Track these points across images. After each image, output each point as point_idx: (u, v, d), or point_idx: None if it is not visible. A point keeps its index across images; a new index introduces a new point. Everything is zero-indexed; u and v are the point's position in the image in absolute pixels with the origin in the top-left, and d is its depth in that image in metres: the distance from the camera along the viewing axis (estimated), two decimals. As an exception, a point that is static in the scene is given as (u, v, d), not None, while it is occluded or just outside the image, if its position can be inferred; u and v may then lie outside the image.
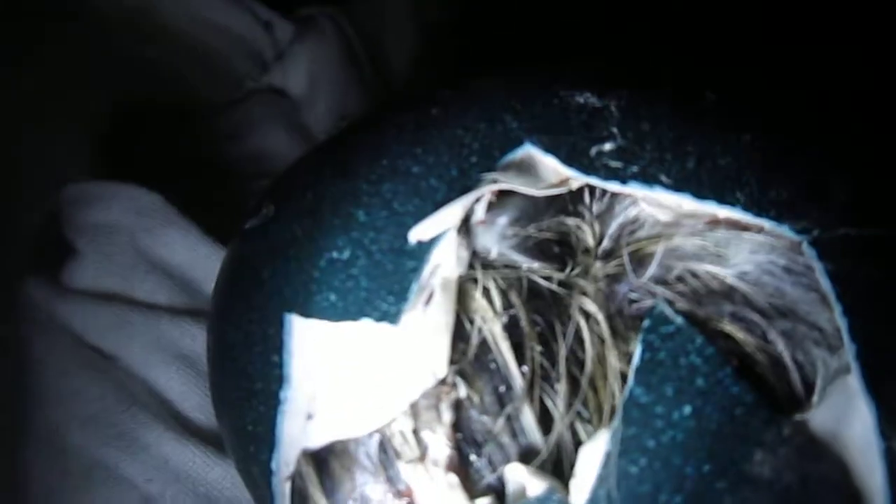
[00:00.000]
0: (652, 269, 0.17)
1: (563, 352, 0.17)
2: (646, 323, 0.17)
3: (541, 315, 0.18)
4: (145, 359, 0.28)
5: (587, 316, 0.18)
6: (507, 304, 0.18)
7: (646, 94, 0.19)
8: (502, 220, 0.18)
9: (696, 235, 0.18)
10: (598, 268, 0.18)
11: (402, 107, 0.21)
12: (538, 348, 0.17)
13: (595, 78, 0.20)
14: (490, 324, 0.18)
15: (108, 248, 0.29)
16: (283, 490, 0.19)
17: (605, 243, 0.18)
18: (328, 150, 0.22)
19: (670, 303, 0.17)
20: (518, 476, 0.17)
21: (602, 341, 0.17)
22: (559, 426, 0.17)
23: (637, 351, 0.17)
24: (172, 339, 0.28)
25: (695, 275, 0.17)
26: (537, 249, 0.18)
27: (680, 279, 0.18)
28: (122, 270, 0.29)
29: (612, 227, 0.18)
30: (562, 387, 0.17)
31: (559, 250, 0.18)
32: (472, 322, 0.18)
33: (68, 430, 0.27)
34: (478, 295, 0.18)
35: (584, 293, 0.18)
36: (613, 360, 0.17)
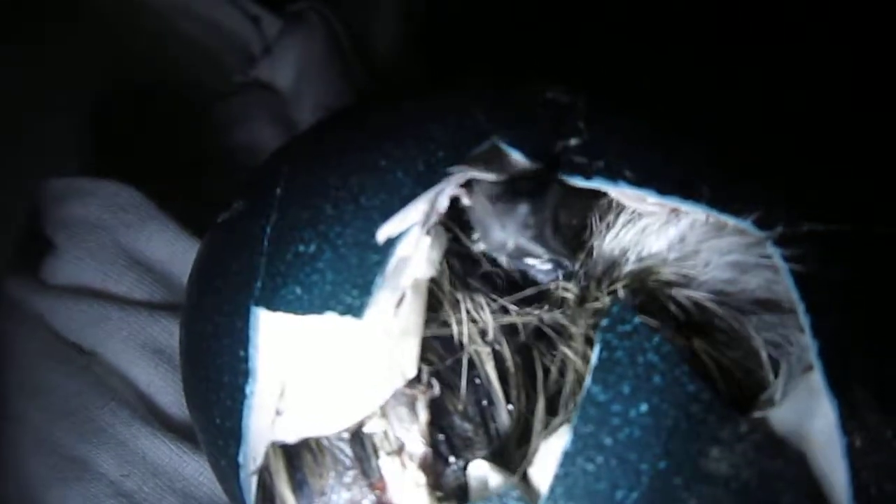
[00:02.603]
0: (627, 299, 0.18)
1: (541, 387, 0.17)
2: (604, 322, 0.17)
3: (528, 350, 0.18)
4: (124, 354, 0.28)
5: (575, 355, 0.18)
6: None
7: (615, 91, 0.19)
8: (523, 210, 0.18)
9: (671, 264, 0.18)
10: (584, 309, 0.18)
11: (375, 101, 0.21)
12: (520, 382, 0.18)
13: (565, 74, 0.20)
14: (480, 347, 0.18)
15: (87, 244, 0.29)
16: (250, 484, 0.19)
17: (591, 283, 0.19)
18: (299, 144, 0.22)
19: (632, 299, 0.17)
20: (481, 472, 0.17)
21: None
22: (535, 440, 0.17)
23: (595, 350, 0.17)
24: (151, 335, 0.28)
25: (675, 301, 0.18)
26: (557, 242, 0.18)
27: (661, 308, 0.18)
28: (101, 266, 0.29)
29: (594, 269, 0.19)
30: (540, 405, 0.17)
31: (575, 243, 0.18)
32: (459, 333, 0.18)
33: (46, 425, 0.27)
34: (463, 317, 0.18)
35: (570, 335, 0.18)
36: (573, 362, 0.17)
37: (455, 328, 0.18)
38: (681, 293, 0.18)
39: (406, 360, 0.17)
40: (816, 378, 0.16)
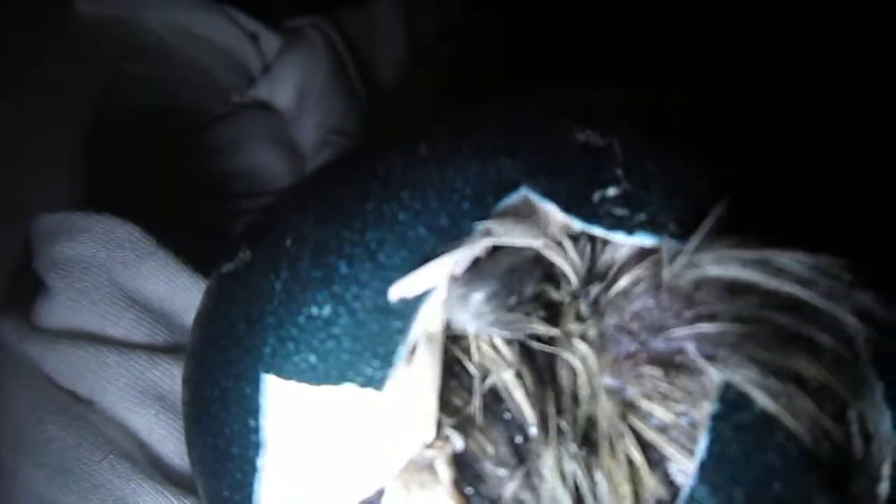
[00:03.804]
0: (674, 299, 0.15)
1: (580, 409, 0.15)
2: (715, 407, 0.15)
3: (538, 374, 0.16)
4: (123, 402, 0.26)
5: (587, 369, 0.16)
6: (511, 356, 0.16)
7: (649, 131, 0.18)
8: (477, 298, 0.16)
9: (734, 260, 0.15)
10: (588, 311, 0.16)
11: (390, 142, 0.20)
12: (548, 408, 0.16)
13: (598, 111, 0.19)
14: (502, 372, 0.16)
15: (81, 284, 0.27)
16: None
17: (608, 275, 0.16)
18: (309, 188, 0.20)
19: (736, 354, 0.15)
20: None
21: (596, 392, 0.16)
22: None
23: (703, 441, 0.15)
24: (151, 380, 0.27)
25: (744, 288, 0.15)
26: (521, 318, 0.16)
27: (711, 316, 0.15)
28: (97, 307, 0.27)
29: (617, 261, 0.16)
30: (568, 447, 0.15)
31: (545, 314, 0.16)
32: (475, 371, 0.16)
33: (41, 481, 0.25)
34: (483, 345, 0.16)
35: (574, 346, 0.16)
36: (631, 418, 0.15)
37: (469, 361, 0.16)
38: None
39: (423, 421, 0.16)
40: None
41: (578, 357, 0.16)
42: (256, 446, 0.17)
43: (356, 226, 0.18)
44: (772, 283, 0.15)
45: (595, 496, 0.15)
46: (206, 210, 0.38)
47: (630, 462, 0.15)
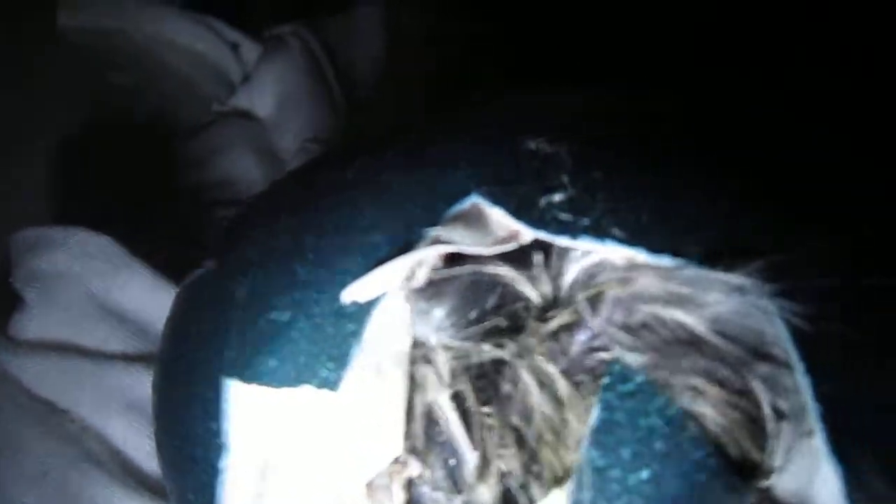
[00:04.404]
0: (607, 312, 0.16)
1: (483, 417, 0.16)
2: (604, 381, 0.16)
3: (492, 381, 0.17)
4: (98, 411, 0.27)
5: (541, 376, 0.17)
6: (457, 374, 0.17)
7: (600, 138, 0.18)
8: (438, 314, 0.17)
9: (662, 277, 0.17)
10: (548, 323, 0.17)
11: (355, 151, 0.21)
12: (489, 420, 0.16)
13: (549, 120, 0.19)
14: (437, 394, 0.17)
15: (57, 297, 0.28)
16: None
17: (563, 292, 0.17)
18: (272, 199, 0.21)
19: (631, 354, 0.16)
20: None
21: (558, 400, 0.16)
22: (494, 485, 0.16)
23: (594, 411, 0.16)
24: (125, 388, 0.27)
25: (662, 322, 0.16)
26: (482, 330, 0.17)
27: (645, 325, 0.17)
28: (72, 319, 0.28)
29: (568, 276, 0.17)
30: (509, 453, 0.16)
31: (507, 324, 0.17)
32: (417, 393, 0.17)
33: (19, 489, 0.25)
34: (423, 367, 0.17)
35: (531, 352, 0.17)
36: (573, 420, 0.16)
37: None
38: (669, 314, 0.16)
39: (390, 437, 0.16)
40: (819, 444, 0.16)
41: (532, 370, 0.17)
42: (219, 449, 0.18)
43: (316, 233, 0.18)
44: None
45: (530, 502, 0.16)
46: (187, 219, 0.39)
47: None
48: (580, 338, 0.17)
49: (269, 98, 0.45)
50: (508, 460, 0.16)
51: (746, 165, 0.18)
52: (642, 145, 0.18)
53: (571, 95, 0.20)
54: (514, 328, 0.17)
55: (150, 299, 0.29)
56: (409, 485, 0.16)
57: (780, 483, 0.16)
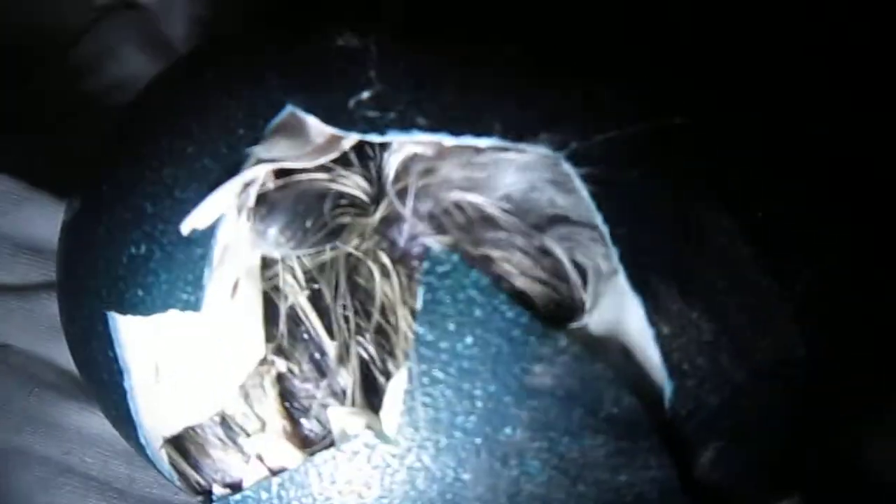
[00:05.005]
0: (412, 202, 0.18)
1: (340, 310, 0.18)
2: (424, 265, 0.18)
3: (338, 279, 0.19)
4: (36, 340, 0.29)
5: (381, 268, 0.18)
6: (310, 276, 0.19)
7: (406, 27, 0.19)
8: (272, 231, 0.18)
9: (462, 165, 0.18)
10: (373, 217, 0.18)
11: (182, 72, 0.21)
12: (344, 312, 0.18)
13: (358, 12, 0.20)
14: (297, 297, 0.18)
15: (-33, 241, 0.29)
16: (160, 457, 0.21)
17: (386, 187, 0.19)
18: (119, 133, 0.21)
19: (439, 238, 0.18)
20: (339, 418, 0.19)
21: (396, 285, 0.18)
22: (356, 369, 0.18)
23: (418, 293, 0.18)
24: (54, 313, 0.29)
25: (460, 207, 0.18)
26: (320, 237, 0.18)
27: (447, 211, 0.18)
28: (-13, 260, 0.29)
29: (387, 170, 0.19)
30: (365, 339, 0.18)
31: (342, 223, 0.19)
32: (279, 299, 0.19)
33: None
34: (282, 272, 0.18)
35: (362, 249, 0.18)
36: (402, 305, 0.18)
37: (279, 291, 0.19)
38: (466, 198, 0.18)
39: (254, 342, 0.18)
40: (621, 280, 0.18)
41: (374, 261, 0.18)
42: (120, 372, 0.20)
43: (154, 164, 0.19)
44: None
45: (387, 377, 0.18)
46: (86, 133, 0.39)
47: None
48: (403, 229, 0.18)
49: (151, -20, 0.44)
50: (364, 344, 0.19)
51: (540, 43, 0.19)
52: (443, 28, 0.19)
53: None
54: (347, 226, 0.18)
55: (58, 224, 0.30)
56: (280, 380, 0.19)
57: (592, 320, 0.18)
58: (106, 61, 0.42)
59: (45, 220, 0.30)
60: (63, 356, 0.30)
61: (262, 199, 0.18)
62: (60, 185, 0.32)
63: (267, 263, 0.19)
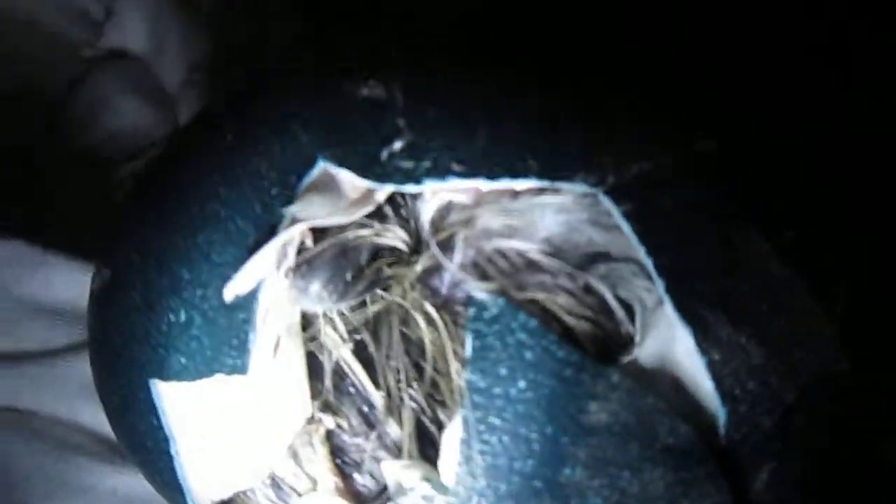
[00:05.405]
0: (459, 255, 0.18)
1: (385, 360, 0.18)
2: (469, 311, 0.18)
3: (384, 330, 0.19)
4: (63, 402, 0.29)
5: (426, 316, 0.18)
6: (353, 328, 0.19)
7: (431, 72, 0.19)
8: (314, 287, 0.18)
9: (500, 212, 0.18)
10: (415, 267, 0.18)
11: (200, 131, 0.21)
12: (391, 363, 0.18)
13: (376, 59, 0.20)
14: (340, 351, 0.18)
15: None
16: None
17: (423, 236, 0.19)
18: (142, 200, 0.21)
19: (484, 285, 0.18)
20: (393, 472, 0.18)
21: (443, 333, 0.18)
22: (409, 420, 0.18)
23: (467, 340, 0.18)
24: (81, 375, 0.29)
25: (503, 254, 0.18)
26: (361, 288, 0.18)
27: (490, 260, 0.18)
28: (6, 329, 0.29)
29: (423, 218, 0.19)
30: (413, 388, 0.18)
31: (382, 276, 0.19)
32: (322, 354, 0.19)
33: (9, 493, 0.28)
34: (324, 326, 0.18)
35: (411, 295, 0.18)
36: (450, 352, 0.18)
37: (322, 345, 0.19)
38: (507, 245, 0.18)
39: (300, 399, 0.18)
40: (668, 311, 0.18)
41: (417, 309, 0.18)
42: (166, 440, 0.20)
43: (187, 230, 0.19)
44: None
45: (439, 427, 0.18)
46: (87, 186, 0.38)
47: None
48: (445, 277, 0.18)
49: (140, 30, 0.43)
50: (414, 394, 0.18)
51: (569, 81, 0.19)
52: (471, 71, 0.19)
53: (389, 31, 0.21)
54: (388, 277, 0.18)
55: (76, 285, 0.30)
56: (330, 437, 0.19)
57: (643, 353, 0.18)
58: (100, 113, 0.42)
59: (61, 283, 0.30)
60: (92, 418, 0.29)
61: (300, 254, 0.18)
62: (71, 244, 0.32)
63: (308, 320, 0.19)
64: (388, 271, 0.18)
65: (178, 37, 0.43)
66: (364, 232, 0.18)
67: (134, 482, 0.28)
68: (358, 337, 0.19)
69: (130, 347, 0.20)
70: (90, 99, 0.42)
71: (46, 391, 0.29)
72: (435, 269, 0.18)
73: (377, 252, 0.19)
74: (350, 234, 0.18)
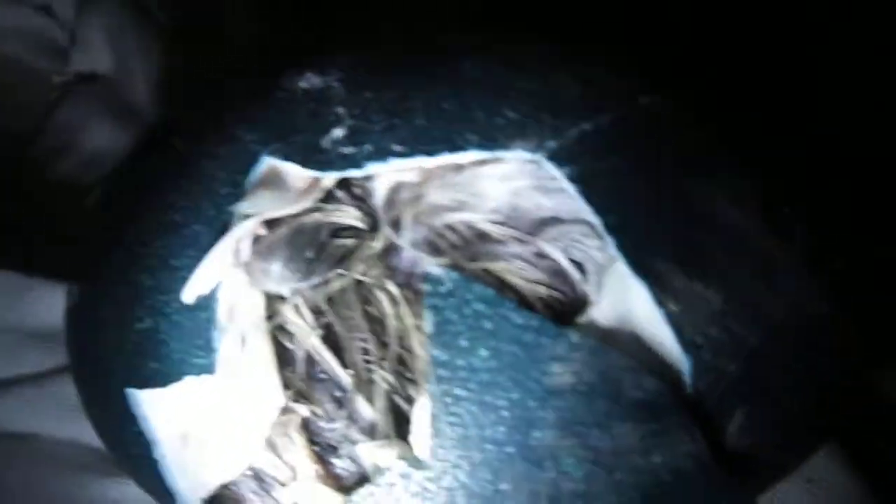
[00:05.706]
0: (409, 233, 0.18)
1: (355, 342, 0.18)
2: (426, 287, 0.18)
3: (350, 311, 0.19)
4: (61, 422, 0.29)
5: (388, 294, 0.19)
6: (317, 310, 0.19)
7: (366, 58, 0.19)
8: (276, 268, 0.18)
9: (447, 187, 0.18)
10: (372, 247, 0.19)
11: (152, 145, 0.21)
12: (359, 343, 0.19)
13: (312, 52, 0.20)
14: (308, 338, 0.19)
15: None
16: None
17: (378, 215, 0.19)
18: (101, 216, 0.22)
19: (437, 260, 0.18)
20: (369, 453, 0.19)
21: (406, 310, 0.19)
22: (380, 400, 0.18)
23: (426, 316, 0.18)
24: (74, 393, 0.29)
25: (453, 228, 0.18)
26: (326, 262, 0.19)
27: (442, 235, 0.18)
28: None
29: (375, 200, 0.19)
30: (382, 367, 0.18)
31: (342, 252, 0.19)
32: (292, 343, 0.19)
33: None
34: (290, 316, 0.19)
35: (368, 277, 0.18)
36: (413, 329, 0.18)
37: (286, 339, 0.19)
38: (456, 217, 0.18)
39: (271, 391, 0.19)
40: (621, 268, 0.18)
41: (380, 288, 0.19)
42: (149, 445, 0.20)
43: (145, 238, 0.20)
44: None
45: (411, 404, 0.18)
46: (70, 208, 0.39)
47: None
48: (403, 255, 0.18)
49: (105, 51, 0.44)
50: (384, 374, 0.19)
51: (499, 52, 0.19)
52: (404, 54, 0.19)
53: (324, 24, 0.21)
54: (349, 253, 0.19)
55: (62, 307, 0.30)
56: (306, 425, 0.19)
57: (600, 312, 0.18)
58: (74, 137, 0.42)
59: (46, 307, 0.30)
60: (92, 435, 0.30)
61: (258, 242, 0.18)
62: (56, 268, 0.33)
63: (273, 309, 0.19)
64: (348, 245, 0.19)
65: (142, 53, 0.43)
66: (317, 215, 0.18)
67: (133, 491, 0.28)
68: (324, 320, 0.19)
69: (105, 359, 0.20)
70: (67, 123, 0.42)
71: (44, 413, 0.29)
72: (393, 248, 0.19)
73: (337, 232, 0.19)
74: (304, 219, 0.18)
